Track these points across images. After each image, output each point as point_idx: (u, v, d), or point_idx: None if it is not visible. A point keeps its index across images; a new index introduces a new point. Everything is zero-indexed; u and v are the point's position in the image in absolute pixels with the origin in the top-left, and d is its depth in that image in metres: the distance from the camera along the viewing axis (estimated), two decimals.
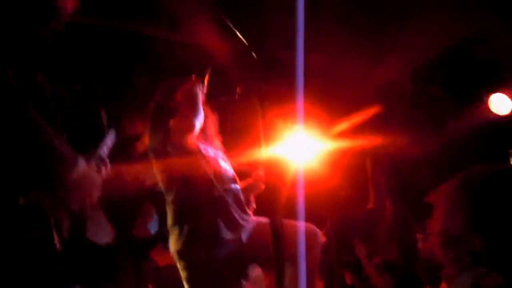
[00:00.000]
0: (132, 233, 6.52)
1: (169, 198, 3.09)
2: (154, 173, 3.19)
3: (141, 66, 4.76)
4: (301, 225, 2.95)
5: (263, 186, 3.38)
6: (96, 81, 4.94)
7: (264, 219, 2.97)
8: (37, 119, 1.50)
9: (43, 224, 1.55)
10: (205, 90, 3.19)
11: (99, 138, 2.12)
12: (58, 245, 1.60)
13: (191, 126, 2.90)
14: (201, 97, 3.08)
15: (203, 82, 3.17)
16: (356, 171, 6.74)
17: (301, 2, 2.37)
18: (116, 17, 4.08)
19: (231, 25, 1.89)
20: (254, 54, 1.81)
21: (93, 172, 1.72)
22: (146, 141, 3.21)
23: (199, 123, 2.93)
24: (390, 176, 6.40)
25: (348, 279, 5.59)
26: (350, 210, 6.63)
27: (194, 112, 2.92)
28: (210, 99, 4.34)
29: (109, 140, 2.08)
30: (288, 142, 3.69)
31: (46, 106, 1.67)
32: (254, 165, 3.49)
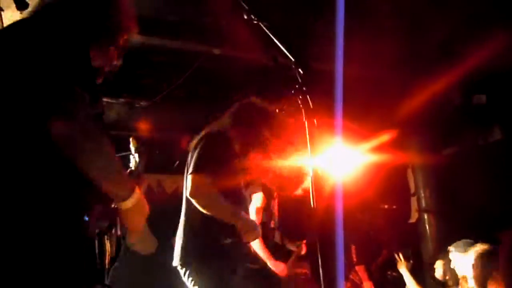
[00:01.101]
0: (173, 244, 6.61)
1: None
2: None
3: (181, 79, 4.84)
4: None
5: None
6: (138, 93, 5.05)
7: None
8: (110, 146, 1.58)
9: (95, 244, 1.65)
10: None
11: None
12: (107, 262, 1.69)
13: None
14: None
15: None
16: (398, 185, 6.61)
17: (341, 14, 2.35)
18: (159, 33, 4.17)
19: (274, 38, 1.89)
20: (299, 69, 1.79)
21: (144, 200, 1.78)
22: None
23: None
24: (434, 190, 6.23)
25: None
26: (392, 224, 6.51)
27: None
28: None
29: (142, 163, 2.15)
30: (328, 155, 3.66)
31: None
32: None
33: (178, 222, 3.30)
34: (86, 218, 1.58)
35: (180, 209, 3.21)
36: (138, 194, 1.70)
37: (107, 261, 1.68)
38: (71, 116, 1.45)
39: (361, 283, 5.67)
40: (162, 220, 6.67)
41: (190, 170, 2.86)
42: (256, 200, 3.90)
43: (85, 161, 1.51)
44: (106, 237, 1.68)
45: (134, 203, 1.68)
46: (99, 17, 1.80)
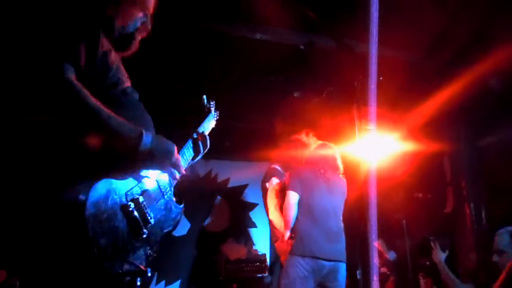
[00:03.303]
0: (205, 227, 6.69)
1: None
2: None
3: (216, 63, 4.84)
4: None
5: None
6: (174, 77, 5.10)
7: None
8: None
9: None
10: None
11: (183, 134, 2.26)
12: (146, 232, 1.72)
13: None
14: None
15: None
16: (434, 174, 6.49)
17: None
18: (194, 15, 4.17)
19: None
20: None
21: (163, 138, 1.80)
22: None
23: None
24: (471, 180, 6.08)
25: (423, 283, 5.40)
26: (426, 212, 6.41)
27: None
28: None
29: (209, 122, 2.32)
30: (363, 142, 3.64)
31: None
32: None
33: (210, 205, 3.52)
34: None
35: (212, 192, 3.37)
36: (153, 134, 1.73)
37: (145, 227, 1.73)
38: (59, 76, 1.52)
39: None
40: (195, 202, 6.75)
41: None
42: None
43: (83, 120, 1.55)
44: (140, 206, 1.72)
45: (154, 141, 1.70)
46: None
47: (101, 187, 1.56)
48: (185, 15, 4.09)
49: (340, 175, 4.21)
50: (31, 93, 1.55)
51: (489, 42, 4.42)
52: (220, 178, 6.90)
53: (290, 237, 3.95)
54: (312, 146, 4.35)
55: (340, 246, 3.93)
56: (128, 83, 1.86)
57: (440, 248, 4.89)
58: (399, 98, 5.01)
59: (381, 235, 5.72)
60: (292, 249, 3.85)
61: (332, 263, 3.82)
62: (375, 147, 3.85)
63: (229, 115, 6.01)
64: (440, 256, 4.81)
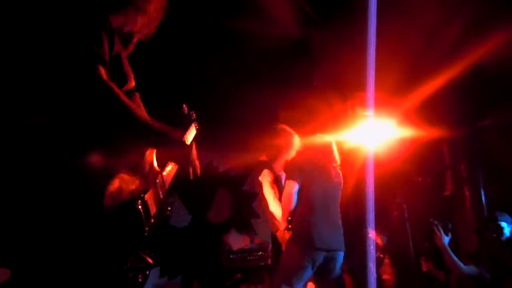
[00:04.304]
0: (207, 218, 6.72)
1: None
2: None
3: (214, 57, 4.84)
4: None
5: None
6: (172, 73, 5.09)
7: None
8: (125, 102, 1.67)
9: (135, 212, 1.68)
10: None
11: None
12: (147, 230, 1.72)
13: None
14: None
15: None
16: (433, 158, 6.52)
17: None
18: (193, 8, 4.16)
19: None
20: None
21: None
22: None
23: None
24: (469, 162, 6.12)
25: (424, 266, 5.43)
26: (426, 196, 6.45)
27: None
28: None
29: (191, 132, 2.28)
30: (362, 128, 3.67)
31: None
32: None
33: (211, 196, 3.53)
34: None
35: (214, 183, 3.39)
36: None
37: (147, 225, 1.73)
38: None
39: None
40: (196, 194, 6.75)
41: None
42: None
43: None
44: (140, 201, 1.72)
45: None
46: None
47: (117, 182, 1.61)
48: (184, 9, 4.09)
49: (337, 168, 4.21)
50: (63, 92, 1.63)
51: (486, 27, 4.43)
52: (221, 169, 6.92)
53: (287, 228, 3.95)
54: (296, 138, 4.38)
55: (340, 236, 3.95)
56: (133, 83, 1.90)
57: (444, 232, 4.91)
58: (397, 84, 5.02)
59: (381, 220, 5.75)
60: (292, 239, 3.84)
61: (330, 252, 3.85)
62: (373, 133, 3.88)
63: (229, 106, 6.04)
64: (444, 240, 4.83)
